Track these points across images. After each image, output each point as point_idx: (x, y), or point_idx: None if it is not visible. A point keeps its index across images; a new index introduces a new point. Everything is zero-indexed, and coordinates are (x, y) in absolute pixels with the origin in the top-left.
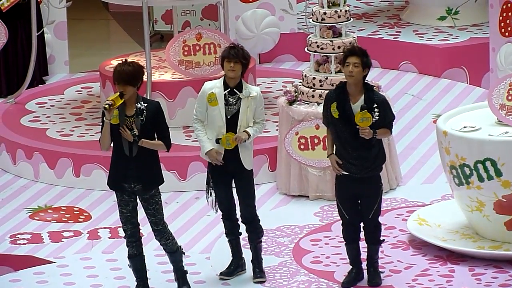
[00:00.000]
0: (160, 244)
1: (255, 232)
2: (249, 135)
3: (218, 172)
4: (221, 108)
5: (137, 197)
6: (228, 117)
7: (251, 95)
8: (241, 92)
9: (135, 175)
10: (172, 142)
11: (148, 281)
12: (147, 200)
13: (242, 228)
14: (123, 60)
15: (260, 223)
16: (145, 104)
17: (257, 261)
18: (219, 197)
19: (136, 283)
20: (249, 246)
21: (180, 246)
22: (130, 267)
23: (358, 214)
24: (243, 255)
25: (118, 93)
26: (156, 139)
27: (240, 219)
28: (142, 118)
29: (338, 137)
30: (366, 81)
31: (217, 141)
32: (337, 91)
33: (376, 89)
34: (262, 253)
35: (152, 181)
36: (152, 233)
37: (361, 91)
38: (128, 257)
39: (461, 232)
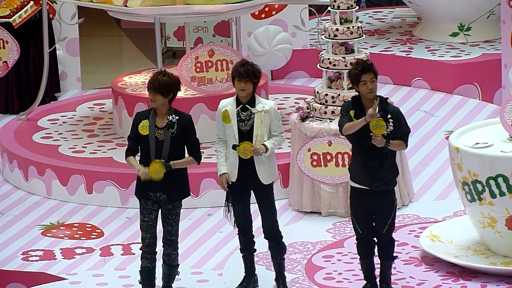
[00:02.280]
0: (165, 254)
1: (278, 248)
2: (266, 149)
3: (236, 188)
4: (234, 125)
5: (160, 207)
6: (244, 133)
7: (264, 109)
8: (253, 107)
9: (162, 185)
10: None
11: None
12: (169, 209)
13: (258, 245)
14: (163, 69)
15: (283, 240)
16: (177, 117)
17: (281, 278)
18: (236, 213)
19: None
20: (262, 262)
21: (179, 265)
22: (140, 283)
23: (372, 229)
24: (256, 272)
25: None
26: (186, 152)
27: (263, 235)
28: (172, 131)
29: (353, 145)
30: (379, 95)
31: (234, 147)
32: (353, 101)
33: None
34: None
35: (178, 193)
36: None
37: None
38: (140, 270)
39: (474, 248)
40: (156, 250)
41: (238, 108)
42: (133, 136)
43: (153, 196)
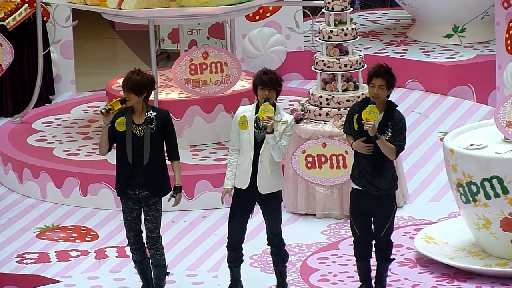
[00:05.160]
0: (150, 254)
1: (280, 255)
2: (273, 131)
3: (242, 198)
4: (250, 131)
5: (141, 205)
6: (258, 141)
7: (282, 120)
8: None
9: (143, 182)
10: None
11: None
12: (149, 206)
13: (252, 247)
14: (137, 69)
15: (286, 248)
16: (155, 113)
17: (282, 286)
18: (232, 227)
19: (141, 284)
20: (256, 264)
21: (167, 266)
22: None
23: (370, 231)
24: (241, 279)
25: (119, 99)
26: (165, 148)
27: (259, 233)
28: (152, 126)
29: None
30: (390, 100)
31: (265, 100)
32: (360, 104)
33: None
34: (270, 271)
35: (161, 189)
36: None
37: (382, 108)
38: (133, 262)
39: (468, 250)
40: (144, 242)
41: (256, 116)
42: (109, 133)
43: (132, 194)
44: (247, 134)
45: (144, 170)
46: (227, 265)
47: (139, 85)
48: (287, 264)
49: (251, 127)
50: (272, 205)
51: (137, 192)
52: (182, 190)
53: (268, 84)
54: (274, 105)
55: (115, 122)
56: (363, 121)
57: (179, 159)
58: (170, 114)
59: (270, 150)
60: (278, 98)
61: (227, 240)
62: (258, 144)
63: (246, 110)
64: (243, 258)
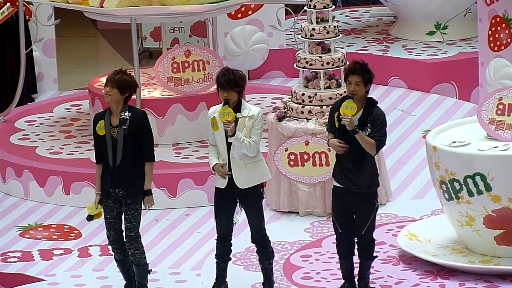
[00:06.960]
0: (130, 253)
1: (265, 253)
2: (234, 132)
3: (223, 196)
4: (221, 131)
5: (121, 204)
6: (229, 140)
7: (248, 115)
8: (239, 112)
9: (120, 181)
10: (161, 159)
11: None
12: (128, 205)
13: (235, 245)
14: (123, 69)
15: (271, 244)
16: (129, 114)
17: (268, 283)
18: (219, 220)
19: (125, 283)
20: (239, 262)
21: (148, 264)
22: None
23: (352, 229)
24: (226, 279)
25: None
26: (141, 149)
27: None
28: (124, 128)
29: None
30: (370, 97)
31: (225, 103)
32: (341, 101)
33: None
34: (253, 269)
35: (136, 189)
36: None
37: (362, 105)
38: (115, 261)
39: (451, 247)
40: (124, 241)
41: None
42: (95, 139)
43: (112, 192)
44: (219, 135)
45: (118, 170)
46: (215, 260)
47: (126, 83)
48: (272, 262)
49: (221, 127)
50: (251, 202)
51: (116, 190)
52: (152, 194)
53: (226, 86)
54: (239, 102)
55: (96, 127)
56: (340, 116)
57: (153, 161)
58: (153, 112)
59: (239, 149)
60: (259, 96)
61: (216, 233)
62: (230, 143)
63: (215, 111)
64: (231, 255)
